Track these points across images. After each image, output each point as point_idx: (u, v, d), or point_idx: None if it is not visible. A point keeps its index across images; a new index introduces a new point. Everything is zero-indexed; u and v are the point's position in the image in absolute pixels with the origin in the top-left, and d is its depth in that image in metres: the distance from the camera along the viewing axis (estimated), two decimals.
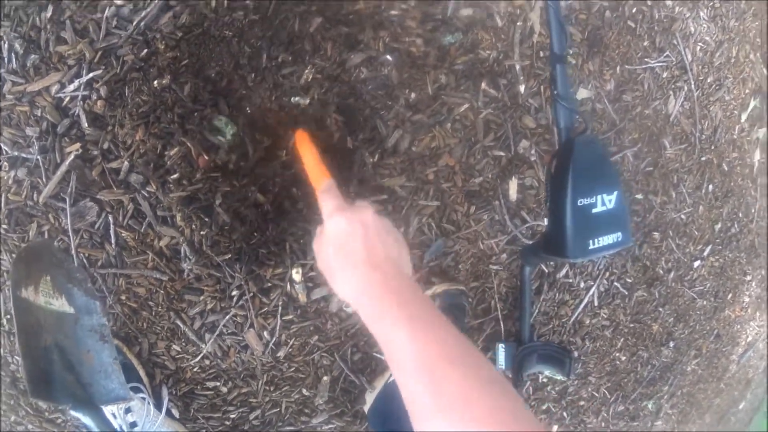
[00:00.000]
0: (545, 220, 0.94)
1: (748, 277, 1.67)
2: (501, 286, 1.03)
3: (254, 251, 0.88)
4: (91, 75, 0.75)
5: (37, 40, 0.75)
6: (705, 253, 1.41)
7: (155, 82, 0.79)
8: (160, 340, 0.86)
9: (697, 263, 1.40)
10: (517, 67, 0.90)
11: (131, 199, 0.79)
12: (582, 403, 1.36)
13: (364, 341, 0.95)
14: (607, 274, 1.18)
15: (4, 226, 0.79)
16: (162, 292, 0.82)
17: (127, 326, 0.84)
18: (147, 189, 0.78)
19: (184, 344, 0.87)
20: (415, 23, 0.84)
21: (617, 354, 1.37)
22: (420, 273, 0.95)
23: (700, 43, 1.19)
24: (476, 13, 0.88)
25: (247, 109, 0.87)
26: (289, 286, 0.87)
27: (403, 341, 0.36)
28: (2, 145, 0.75)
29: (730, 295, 1.61)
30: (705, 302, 1.52)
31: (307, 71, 0.88)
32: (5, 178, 0.77)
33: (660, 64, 1.10)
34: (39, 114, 0.75)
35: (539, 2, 0.90)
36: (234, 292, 0.85)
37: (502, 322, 1.06)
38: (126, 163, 0.77)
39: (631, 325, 1.35)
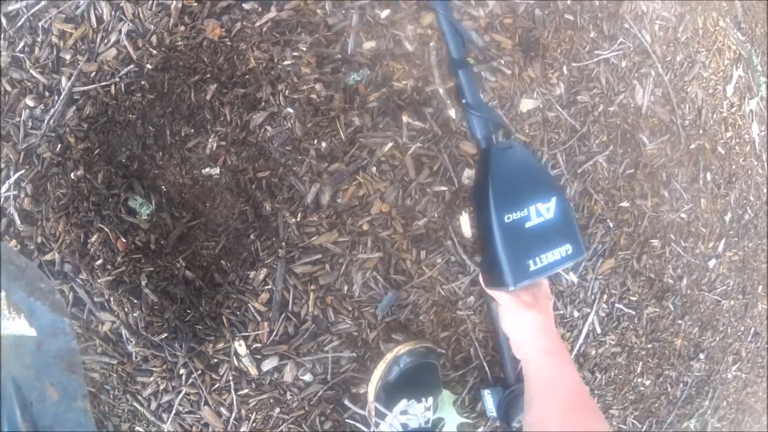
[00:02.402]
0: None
1: None
2: (476, 330, 0.79)
3: (191, 328, 0.70)
4: (17, 175, 0.64)
5: None
6: (720, 249, 1.10)
7: (72, 174, 0.68)
8: (123, 422, 0.69)
9: (712, 262, 1.09)
10: (441, 90, 0.70)
11: (70, 288, 0.66)
12: None
13: (330, 408, 0.74)
14: (605, 297, 0.92)
15: None
16: (115, 375, 0.65)
17: (95, 412, 0.70)
18: (80, 277, 0.66)
19: (146, 425, 0.69)
20: (311, 69, 0.65)
21: (639, 380, 1.06)
22: (377, 332, 0.74)
23: (658, 21, 0.95)
24: (381, 44, 0.69)
25: (162, 187, 0.73)
26: (236, 360, 0.68)
27: (571, 376, 0.46)
28: None
29: (760, 288, 1.27)
30: (732, 302, 1.19)
31: (211, 140, 0.72)
32: None
33: (615, 53, 0.86)
34: (4, 208, 0.65)
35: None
36: (182, 371, 0.67)
37: (487, 369, 0.81)
38: (57, 254, 0.65)
39: (649, 346, 1.05)
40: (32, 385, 0.44)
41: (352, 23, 0.65)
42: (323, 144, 0.66)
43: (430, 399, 0.69)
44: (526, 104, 0.73)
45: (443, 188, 0.71)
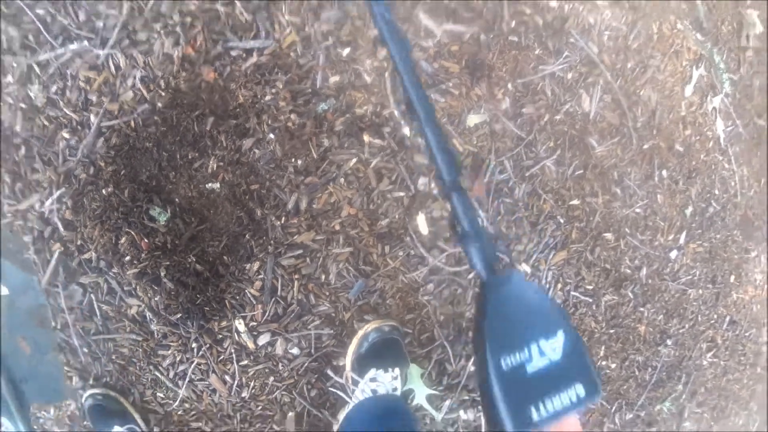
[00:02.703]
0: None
1: (753, 254, 1.33)
2: (437, 313, 0.90)
3: (200, 310, 0.87)
4: (58, 193, 0.82)
5: (18, 171, 0.83)
6: (681, 241, 1.15)
7: (103, 191, 0.85)
8: (147, 389, 0.86)
9: (674, 253, 1.14)
10: (396, 113, 0.82)
11: (104, 280, 0.84)
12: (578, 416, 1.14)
13: (315, 378, 0.88)
14: (560, 285, 1.00)
15: None
16: (140, 350, 0.83)
17: (120, 380, 0.87)
18: (112, 271, 0.83)
19: (165, 391, 0.86)
20: (286, 102, 0.79)
21: (604, 363, 1.13)
22: (350, 313, 0.87)
23: (607, 32, 1.01)
24: (344, 77, 0.81)
25: (176, 199, 0.89)
26: (236, 336, 0.84)
27: None
28: (9, 246, 0.84)
29: (732, 277, 1.29)
30: (701, 291, 1.23)
31: (212, 161, 0.88)
32: None
33: (560, 66, 0.94)
34: (30, 225, 0.83)
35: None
36: (193, 345, 0.84)
37: (449, 348, 0.93)
38: (93, 254, 0.83)
39: (611, 332, 1.12)
40: (6, 340, 0.46)
41: (319, 62, 0.78)
42: (299, 162, 0.79)
43: (396, 370, 0.82)
44: (473, 119, 0.84)
45: (401, 194, 0.83)
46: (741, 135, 1.21)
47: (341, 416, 0.85)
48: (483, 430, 0.63)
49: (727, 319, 1.30)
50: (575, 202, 0.97)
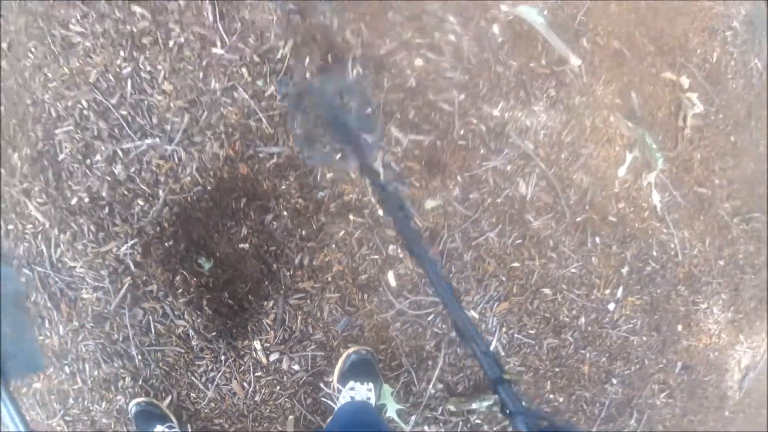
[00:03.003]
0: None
1: (703, 305, 1.75)
2: (404, 345, 1.40)
3: (229, 331, 1.42)
4: (132, 242, 1.41)
5: (102, 225, 1.42)
6: (619, 295, 1.60)
7: (165, 243, 1.43)
8: (183, 391, 1.40)
9: (611, 305, 1.59)
10: (373, 200, 1.36)
11: (160, 306, 1.40)
12: None
13: (311, 389, 1.39)
14: (504, 329, 1.47)
15: (87, 325, 1.42)
16: (182, 359, 1.37)
17: (163, 383, 1.42)
18: (168, 300, 1.39)
19: (197, 393, 1.39)
20: (295, 190, 1.35)
21: (551, 396, 1.57)
22: (338, 341, 1.39)
23: (542, 131, 1.52)
24: (336, 175, 1.37)
25: (216, 253, 1.47)
26: (254, 353, 1.38)
27: None
28: (87, 278, 1.41)
29: (680, 327, 1.71)
30: (644, 338, 1.65)
31: (243, 229, 1.45)
32: (90, 297, 1.42)
33: (500, 161, 1.46)
34: (107, 263, 1.41)
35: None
36: (222, 357, 1.38)
37: (413, 373, 1.41)
38: (155, 286, 1.39)
39: (556, 369, 1.56)
40: None
41: (319, 164, 1.35)
42: (303, 231, 1.34)
43: (370, 383, 1.31)
44: (430, 204, 1.36)
45: (376, 257, 1.35)
46: (680, 203, 1.67)
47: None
48: None
49: (680, 364, 1.71)
50: (515, 264, 1.45)
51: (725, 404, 1.84)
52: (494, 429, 1.49)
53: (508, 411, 0.67)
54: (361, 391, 1.27)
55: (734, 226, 1.77)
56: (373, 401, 1.29)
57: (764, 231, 1.84)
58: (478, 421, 1.45)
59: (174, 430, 1.32)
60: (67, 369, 1.37)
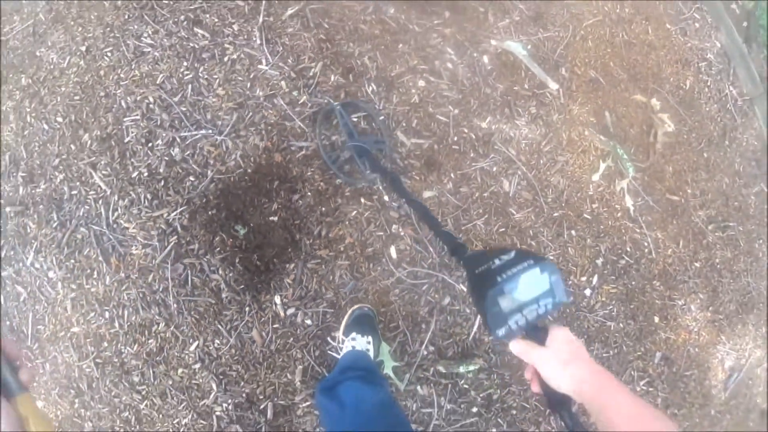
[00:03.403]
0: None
1: (680, 302, 2.37)
2: (401, 310, 2.06)
3: (255, 287, 2.11)
4: (181, 209, 2.15)
5: (157, 194, 2.19)
6: (594, 283, 2.25)
7: (209, 212, 2.17)
8: (209, 338, 2.04)
9: (588, 291, 2.23)
10: (380, 188, 2.09)
11: (199, 262, 2.10)
12: (514, 412, 2.17)
13: (319, 342, 2.05)
14: None
15: (132, 276, 2.13)
16: (212, 309, 2.01)
17: (193, 329, 2.09)
18: (206, 257, 2.08)
19: (221, 340, 2.05)
20: (318, 176, 2.10)
21: None
22: (345, 300, 2.07)
23: (524, 141, 2.26)
24: (352, 167, 2.13)
25: (250, 223, 2.21)
26: (274, 307, 2.06)
27: (626, 402, 0.76)
28: (138, 237, 2.14)
29: (656, 318, 2.34)
30: (622, 324, 2.28)
31: (274, 205, 2.20)
32: (139, 253, 2.14)
33: (487, 163, 2.18)
34: (158, 225, 2.14)
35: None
36: (246, 309, 2.06)
37: (408, 334, 2.06)
38: (197, 245, 2.12)
39: None
40: None
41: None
42: (323, 209, 2.07)
43: (369, 336, 1.93)
44: (427, 193, 2.08)
45: (381, 233, 2.06)
46: (652, 207, 2.36)
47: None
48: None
49: (659, 354, 2.31)
50: None
51: (710, 402, 2.40)
52: (480, 395, 2.11)
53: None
54: (360, 343, 1.90)
55: (709, 233, 2.43)
56: (371, 354, 1.95)
57: (741, 239, 2.51)
58: (465, 386, 2.08)
59: None
60: (107, 314, 2.03)
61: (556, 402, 0.86)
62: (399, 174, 2.05)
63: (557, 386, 0.84)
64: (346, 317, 1.98)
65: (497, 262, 0.91)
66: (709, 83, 2.58)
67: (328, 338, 2.01)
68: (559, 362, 0.84)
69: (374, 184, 2.06)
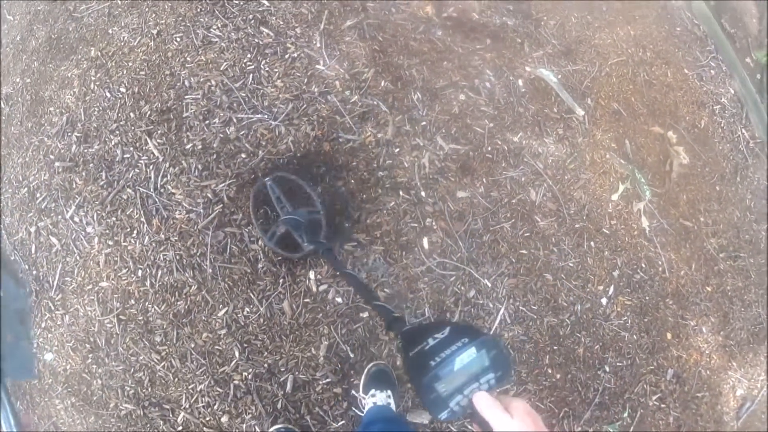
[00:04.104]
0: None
1: (692, 323, 2.55)
2: (429, 297, 2.24)
3: (290, 261, 2.29)
4: (229, 182, 2.37)
5: (208, 166, 2.42)
6: (611, 293, 2.44)
7: (250, 188, 2.43)
8: (240, 305, 2.17)
9: (604, 300, 2.42)
10: (418, 183, 2.35)
11: (240, 232, 2.29)
12: None
13: (347, 321, 2.20)
14: (511, 300, 2.31)
15: (172, 238, 2.32)
16: (246, 278, 2.17)
17: (224, 295, 2.25)
18: (248, 228, 2.28)
19: (251, 308, 2.20)
20: (363, 167, 2.35)
21: (549, 371, 2.34)
22: (376, 285, 2.26)
23: (551, 157, 2.54)
24: (394, 161, 2.40)
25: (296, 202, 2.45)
26: (308, 281, 2.24)
27: None
28: (184, 203, 2.35)
29: (669, 335, 2.51)
30: (635, 336, 2.45)
31: (319, 188, 2.45)
32: (182, 217, 2.34)
33: (516, 173, 2.44)
34: (205, 194, 2.35)
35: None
36: (281, 280, 2.23)
37: (433, 320, 2.23)
38: (240, 215, 2.31)
39: (555, 347, 2.35)
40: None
41: (382, 152, 2.38)
42: (364, 196, 2.31)
43: (389, 390, 2.03)
44: (461, 194, 2.33)
45: (416, 225, 2.29)
46: (666, 230, 2.60)
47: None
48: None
49: (671, 371, 2.47)
50: (523, 251, 2.36)
51: (723, 429, 2.53)
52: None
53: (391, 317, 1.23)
54: (381, 398, 1.99)
55: (721, 261, 2.65)
56: (393, 406, 2.00)
57: (752, 271, 2.72)
58: None
59: None
60: (139, 272, 2.19)
61: None
62: (346, 239, 2.26)
63: None
64: (363, 375, 2.13)
65: (431, 341, 0.92)
66: (722, 124, 2.89)
67: (356, 317, 2.19)
68: None
69: (314, 255, 2.20)
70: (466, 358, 0.87)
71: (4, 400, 0.83)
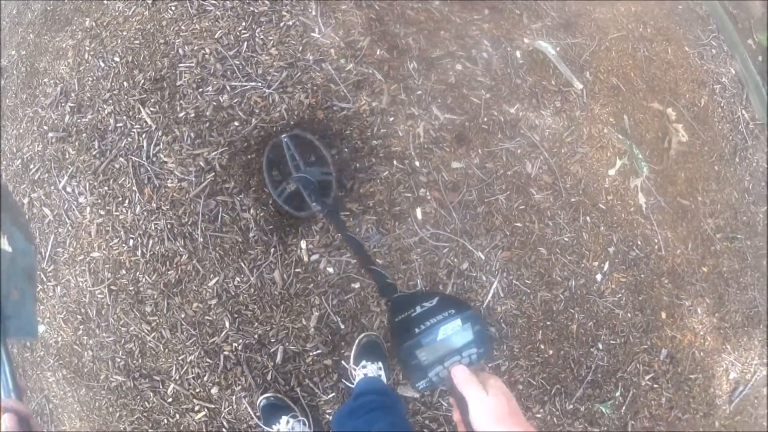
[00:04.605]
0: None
1: (687, 303, 2.56)
2: (421, 269, 2.24)
3: (283, 229, 2.29)
4: (221, 150, 2.36)
5: (200, 134, 2.41)
6: (606, 269, 2.45)
7: (248, 155, 2.39)
8: (230, 274, 2.19)
9: (599, 276, 2.43)
10: (413, 153, 2.35)
11: (232, 200, 2.29)
12: (520, 387, 2.30)
13: (338, 291, 2.20)
14: (505, 273, 2.31)
15: (163, 207, 2.31)
16: (237, 247, 2.17)
17: (215, 265, 2.24)
18: (239, 196, 2.27)
19: (241, 278, 2.20)
20: (356, 136, 2.36)
21: (542, 346, 2.35)
22: (370, 253, 2.26)
23: (548, 130, 2.54)
24: (388, 130, 2.40)
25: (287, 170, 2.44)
26: (299, 251, 2.24)
27: None
28: (176, 172, 2.33)
29: (663, 314, 2.52)
30: (629, 314, 2.46)
31: (312, 157, 2.44)
32: (174, 186, 2.32)
33: (512, 145, 2.44)
34: (197, 162, 2.34)
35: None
36: (272, 250, 2.23)
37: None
38: (233, 183, 2.30)
39: (548, 323, 2.36)
40: (3, 285, 0.84)
41: (376, 121, 2.37)
42: (357, 165, 2.31)
43: (379, 362, 2.02)
44: (455, 164, 2.32)
45: (409, 195, 2.28)
46: (663, 208, 2.61)
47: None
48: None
49: (664, 351, 2.48)
50: (518, 224, 2.36)
51: (715, 413, 2.54)
52: (489, 365, 2.26)
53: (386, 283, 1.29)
54: (372, 369, 1.99)
55: (717, 241, 2.67)
56: (384, 378, 2.00)
57: (749, 253, 2.74)
58: None
59: (299, 418, 2.02)
60: (131, 242, 2.19)
61: None
62: (340, 207, 2.26)
63: None
64: (354, 347, 2.13)
65: (418, 309, 0.94)
66: (722, 104, 2.90)
67: (347, 287, 2.19)
68: (495, 414, 0.83)
69: (319, 216, 2.22)
70: (450, 329, 0.89)
71: (3, 360, 0.81)
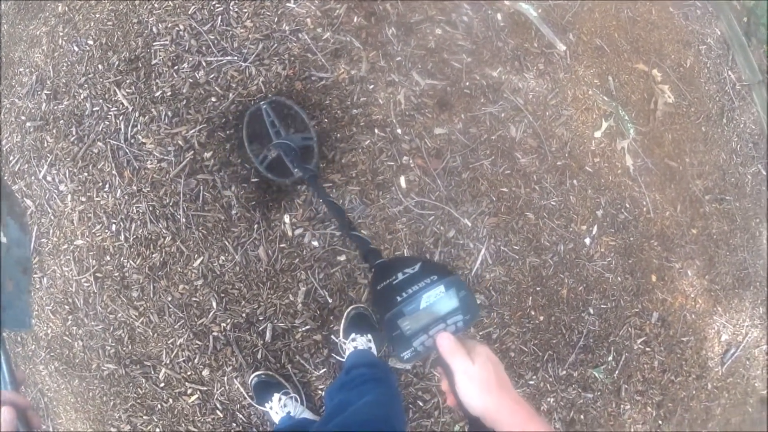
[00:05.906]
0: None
1: (677, 265, 2.65)
2: (407, 238, 2.29)
3: (266, 205, 2.31)
4: (200, 127, 2.38)
5: (178, 113, 2.43)
6: (594, 233, 2.52)
7: (227, 131, 2.37)
8: (215, 253, 2.20)
9: (587, 240, 2.50)
10: (394, 121, 2.39)
11: (212, 178, 2.30)
12: (512, 354, 2.38)
13: (324, 265, 2.25)
14: (492, 240, 2.37)
15: (144, 189, 2.34)
16: (220, 225, 2.16)
17: (199, 245, 2.28)
18: (220, 173, 2.28)
19: (226, 256, 2.22)
20: (336, 105, 2.40)
21: (532, 312, 2.42)
22: (354, 225, 2.30)
23: (531, 92, 2.59)
24: (369, 98, 2.44)
25: (267, 142, 2.48)
26: (283, 226, 2.28)
27: None
28: (155, 152, 2.35)
29: (654, 277, 2.61)
30: (619, 278, 2.54)
31: (292, 129, 2.48)
32: (153, 167, 2.35)
33: (496, 109, 2.50)
34: (175, 142, 2.36)
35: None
36: (255, 226, 2.27)
37: None
38: (213, 161, 2.32)
39: (537, 288, 2.43)
40: None
41: (356, 89, 2.41)
42: (338, 135, 2.35)
43: (369, 335, 2.04)
44: (438, 130, 2.37)
45: (392, 163, 2.32)
46: (651, 170, 2.69)
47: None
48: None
49: (656, 314, 2.56)
50: (504, 189, 2.41)
51: (707, 375, 2.63)
52: (479, 333, 2.33)
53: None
54: (361, 342, 2.03)
55: (706, 203, 2.75)
56: (374, 350, 2.03)
57: (738, 215, 2.83)
58: None
59: (291, 395, 2.05)
60: (113, 227, 2.19)
61: (473, 421, 0.85)
62: (318, 175, 2.27)
63: (468, 406, 0.84)
64: (343, 320, 2.16)
65: (400, 276, 0.92)
66: (708, 65, 2.97)
67: (333, 260, 2.24)
68: (482, 384, 0.83)
69: (302, 182, 2.25)
70: (434, 296, 0.88)
71: (0, 352, 0.81)
